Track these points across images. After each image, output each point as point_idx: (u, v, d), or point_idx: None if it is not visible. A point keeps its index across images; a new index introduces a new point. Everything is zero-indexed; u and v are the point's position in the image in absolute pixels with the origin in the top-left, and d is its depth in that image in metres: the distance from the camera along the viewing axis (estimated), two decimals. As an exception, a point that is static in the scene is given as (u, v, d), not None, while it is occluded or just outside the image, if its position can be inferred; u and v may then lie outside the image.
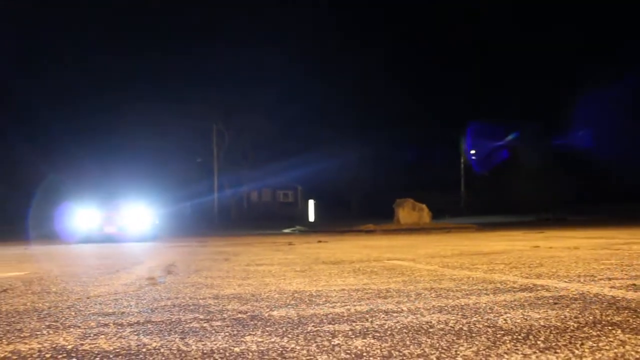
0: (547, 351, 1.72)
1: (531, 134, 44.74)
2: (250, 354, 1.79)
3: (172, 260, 6.23)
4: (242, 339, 2.00)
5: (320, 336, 2.02)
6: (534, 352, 1.71)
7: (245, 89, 42.66)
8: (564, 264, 4.51)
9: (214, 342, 1.96)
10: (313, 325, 2.22)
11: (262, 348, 1.86)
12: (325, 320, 2.32)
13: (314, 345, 1.89)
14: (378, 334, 2.03)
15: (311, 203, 49.13)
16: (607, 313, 2.32)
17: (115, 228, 14.08)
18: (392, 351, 1.78)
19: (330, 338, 1.98)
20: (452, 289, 3.18)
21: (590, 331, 1.99)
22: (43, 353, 1.87)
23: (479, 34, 57.70)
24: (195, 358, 1.76)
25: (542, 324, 2.13)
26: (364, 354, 1.75)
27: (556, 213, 31.69)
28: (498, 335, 1.95)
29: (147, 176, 33.07)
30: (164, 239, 14.31)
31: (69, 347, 1.95)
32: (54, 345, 1.97)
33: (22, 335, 2.16)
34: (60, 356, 1.82)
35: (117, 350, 1.88)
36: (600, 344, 1.79)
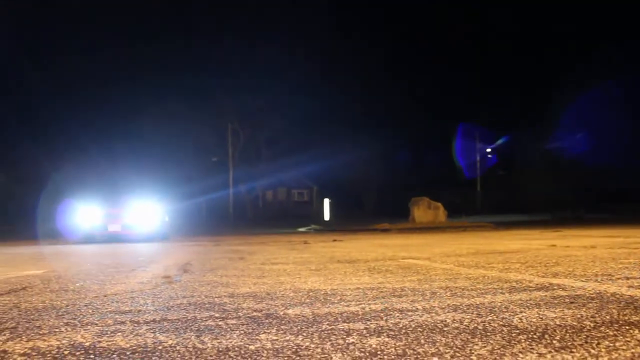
0: (562, 350, 1.71)
1: (542, 133, 44.34)
2: (265, 351, 1.80)
3: (188, 259, 6.27)
4: (257, 337, 2.01)
5: (334, 334, 2.03)
6: (550, 352, 1.70)
7: (260, 88, 42.75)
8: (581, 263, 4.47)
9: (229, 340, 1.98)
10: (328, 324, 2.22)
11: (276, 346, 1.87)
12: (340, 319, 2.32)
13: (329, 343, 1.89)
14: (392, 333, 2.03)
15: (326, 202, 49.17)
16: (625, 312, 2.30)
17: (120, 226, 13.27)
18: (407, 350, 1.78)
19: (344, 336, 1.99)
20: (468, 288, 3.17)
21: (607, 331, 1.97)
22: (61, 350, 1.89)
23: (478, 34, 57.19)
24: (210, 356, 1.77)
25: (557, 323, 2.12)
26: (379, 352, 1.75)
27: (573, 212, 31.39)
28: (513, 334, 1.94)
29: (158, 171, 32.40)
30: (174, 239, 13.76)
31: (87, 344, 1.97)
32: (72, 342, 2.00)
33: (41, 332, 2.19)
34: (78, 353, 1.85)
35: (134, 348, 1.90)
36: (617, 344, 1.78)
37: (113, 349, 1.88)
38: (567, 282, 3.31)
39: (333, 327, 2.16)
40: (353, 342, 1.89)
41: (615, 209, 31.78)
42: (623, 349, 1.71)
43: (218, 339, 2.01)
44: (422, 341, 1.88)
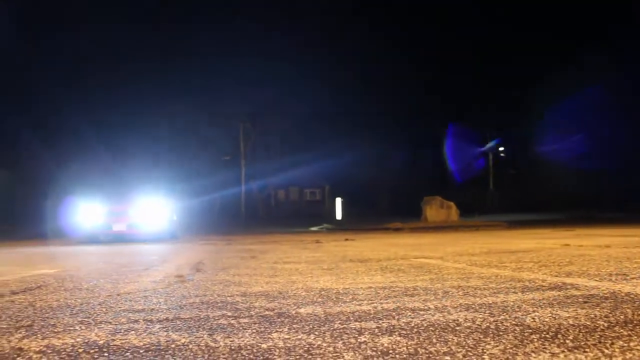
0: (575, 350, 1.70)
1: (554, 132, 44.00)
2: (277, 350, 1.81)
3: (200, 258, 6.31)
4: (269, 336, 2.02)
5: (346, 333, 2.03)
6: (562, 351, 1.69)
7: (271, 84, 42.65)
8: (595, 263, 4.43)
9: (242, 339, 1.99)
10: (340, 323, 2.23)
11: (288, 345, 1.88)
12: (352, 318, 2.32)
13: (341, 342, 1.90)
14: (404, 332, 2.03)
15: (338, 201, 49.08)
16: (639, 312, 2.28)
17: (126, 225, 12.50)
18: (419, 349, 1.77)
19: (356, 335, 1.99)
20: (480, 287, 3.16)
21: (621, 330, 1.96)
22: (76, 348, 1.91)
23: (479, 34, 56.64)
24: (222, 354, 1.78)
25: (571, 322, 2.11)
26: (390, 351, 1.76)
27: (587, 211, 31.12)
28: (526, 334, 1.93)
29: (166, 168, 31.73)
30: (183, 238, 13.35)
31: (101, 342, 1.99)
32: (86, 341, 2.02)
33: (55, 331, 2.22)
34: (92, 351, 1.86)
35: (147, 346, 1.92)
36: (632, 344, 1.76)
37: (126, 347, 1.90)
38: (580, 282, 3.29)
39: (345, 326, 2.17)
40: (365, 341, 1.89)
41: (630, 208, 31.45)
42: (637, 349, 1.70)
43: (230, 337, 2.02)
44: (434, 340, 1.88)
